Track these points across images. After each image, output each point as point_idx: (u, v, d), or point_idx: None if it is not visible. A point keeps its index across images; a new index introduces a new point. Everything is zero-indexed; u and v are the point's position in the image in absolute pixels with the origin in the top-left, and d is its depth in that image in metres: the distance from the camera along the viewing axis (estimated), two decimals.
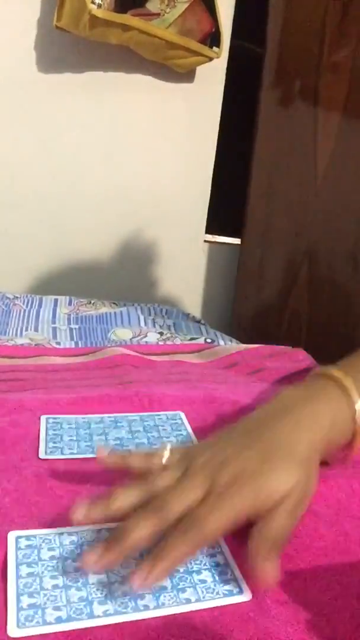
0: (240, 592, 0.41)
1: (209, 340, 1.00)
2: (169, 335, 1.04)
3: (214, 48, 1.44)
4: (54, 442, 0.60)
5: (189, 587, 0.41)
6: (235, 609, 0.40)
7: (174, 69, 1.50)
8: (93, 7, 1.24)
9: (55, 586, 0.40)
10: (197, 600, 0.40)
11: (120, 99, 1.52)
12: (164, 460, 0.47)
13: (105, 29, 1.30)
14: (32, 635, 0.36)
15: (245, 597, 0.40)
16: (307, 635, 0.39)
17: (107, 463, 0.49)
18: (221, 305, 1.78)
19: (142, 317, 1.14)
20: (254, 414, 0.52)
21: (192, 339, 1.02)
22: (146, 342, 1.01)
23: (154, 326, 1.10)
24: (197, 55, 1.42)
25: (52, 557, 0.42)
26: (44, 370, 0.80)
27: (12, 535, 0.44)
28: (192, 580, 0.42)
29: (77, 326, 1.10)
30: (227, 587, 0.41)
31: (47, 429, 0.62)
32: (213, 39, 1.44)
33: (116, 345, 0.93)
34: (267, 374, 0.83)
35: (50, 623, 0.37)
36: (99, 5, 1.25)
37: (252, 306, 1.65)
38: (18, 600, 0.39)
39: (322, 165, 1.40)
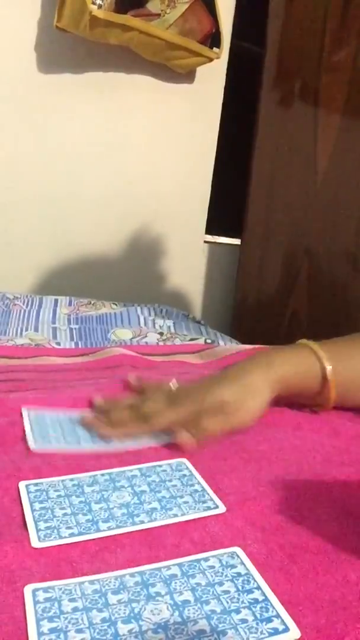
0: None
1: (209, 341, 1.00)
2: (169, 335, 1.04)
3: (214, 48, 1.44)
4: (42, 437, 0.61)
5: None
6: None
7: (174, 70, 1.50)
8: (93, 7, 1.24)
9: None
10: (182, 515, 0.45)
11: (120, 99, 1.52)
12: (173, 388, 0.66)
13: (106, 29, 1.30)
14: None
15: (220, 510, 0.42)
16: (306, 635, 0.39)
17: (133, 382, 0.71)
18: (221, 305, 1.78)
19: (142, 318, 1.14)
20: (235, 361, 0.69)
21: (192, 339, 1.02)
22: (146, 342, 1.01)
23: (154, 326, 1.10)
24: (197, 56, 1.42)
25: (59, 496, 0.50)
26: (44, 371, 0.80)
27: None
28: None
29: (77, 326, 1.10)
30: (205, 505, 0.45)
31: (30, 423, 0.64)
32: (213, 39, 1.44)
33: (116, 346, 0.93)
34: None
35: None
36: (100, 6, 1.25)
37: (252, 306, 1.65)
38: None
39: (322, 165, 1.40)
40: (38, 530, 0.46)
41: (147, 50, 1.41)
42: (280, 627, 0.38)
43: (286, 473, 0.56)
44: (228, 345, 0.97)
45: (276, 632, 0.38)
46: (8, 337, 1.00)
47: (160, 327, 1.10)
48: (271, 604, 0.40)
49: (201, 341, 1.00)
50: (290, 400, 0.68)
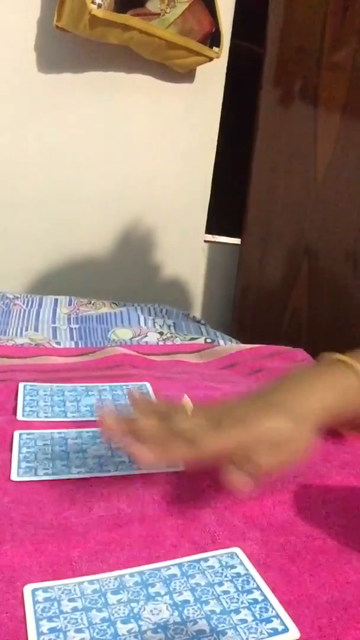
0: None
1: (209, 340, 1.00)
2: (169, 335, 1.04)
3: (214, 48, 1.43)
4: (31, 407, 0.65)
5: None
6: None
7: (174, 69, 1.50)
8: (93, 7, 1.24)
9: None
10: None
11: (120, 98, 1.52)
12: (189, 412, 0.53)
13: (106, 28, 1.30)
14: None
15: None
16: (306, 635, 0.39)
17: (135, 400, 0.54)
18: (221, 305, 1.78)
19: (142, 317, 1.14)
20: (264, 384, 0.58)
21: (192, 339, 1.02)
22: (146, 342, 1.01)
23: (154, 326, 1.10)
24: (197, 55, 1.42)
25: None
26: (44, 370, 0.80)
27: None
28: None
29: (77, 326, 1.10)
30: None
31: (24, 394, 0.68)
32: (213, 38, 1.43)
33: (116, 345, 0.93)
34: (266, 374, 0.83)
35: None
36: (99, 5, 1.25)
37: (252, 305, 1.65)
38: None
39: (322, 165, 1.40)
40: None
41: (146, 49, 1.41)
42: (280, 628, 0.38)
43: (286, 474, 0.56)
44: (228, 345, 0.97)
45: (276, 632, 0.38)
46: (8, 337, 1.00)
47: (160, 326, 1.10)
48: (271, 605, 0.40)
49: (201, 341, 1.00)
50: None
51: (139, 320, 1.12)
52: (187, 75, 1.54)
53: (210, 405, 0.56)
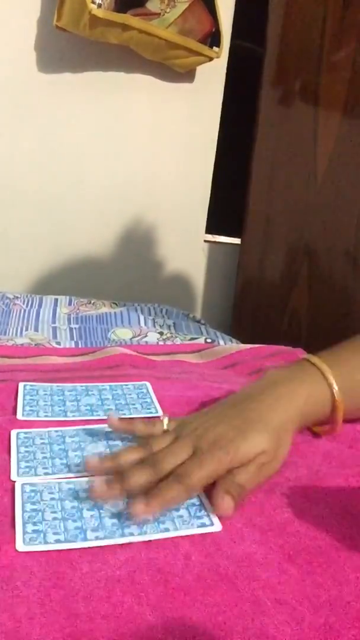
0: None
1: (209, 340, 1.00)
2: (169, 335, 1.05)
3: (214, 48, 1.43)
4: (31, 407, 0.66)
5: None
6: (233, 608, 0.40)
7: (174, 69, 1.50)
8: (93, 6, 1.24)
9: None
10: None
11: (120, 99, 1.52)
12: (165, 427, 0.57)
13: (106, 28, 1.30)
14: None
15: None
16: (305, 635, 0.39)
17: (116, 427, 0.59)
18: (221, 305, 1.78)
19: (142, 317, 1.14)
20: (241, 390, 0.62)
21: (192, 338, 1.02)
22: (146, 342, 1.01)
23: (154, 326, 1.10)
24: (197, 55, 1.42)
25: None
26: (44, 370, 0.80)
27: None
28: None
29: (77, 326, 1.10)
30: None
31: (24, 394, 0.68)
32: (213, 38, 1.44)
33: (116, 345, 0.93)
34: None
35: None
36: (99, 5, 1.25)
37: (252, 305, 1.65)
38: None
39: (322, 165, 1.40)
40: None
41: (146, 49, 1.41)
42: (207, 522, 0.49)
43: (286, 474, 0.56)
44: (228, 345, 0.97)
45: (203, 525, 0.48)
46: (8, 337, 1.00)
47: (160, 326, 1.10)
48: (204, 508, 0.50)
49: (201, 340, 1.00)
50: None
51: (139, 320, 1.12)
52: (187, 75, 1.54)
53: (188, 419, 0.58)
